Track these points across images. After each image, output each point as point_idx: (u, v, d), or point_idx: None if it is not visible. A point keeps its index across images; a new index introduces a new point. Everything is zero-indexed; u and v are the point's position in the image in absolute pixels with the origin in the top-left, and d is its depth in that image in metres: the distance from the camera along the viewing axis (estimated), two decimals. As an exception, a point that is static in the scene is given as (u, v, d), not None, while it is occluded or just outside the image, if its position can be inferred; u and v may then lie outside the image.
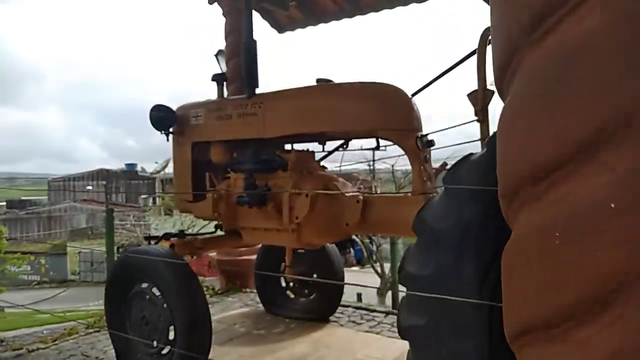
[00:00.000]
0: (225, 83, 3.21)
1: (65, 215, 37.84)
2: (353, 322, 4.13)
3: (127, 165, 46.40)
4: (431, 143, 2.50)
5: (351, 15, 6.05)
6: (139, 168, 46.93)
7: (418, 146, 2.42)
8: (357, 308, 4.51)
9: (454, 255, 1.64)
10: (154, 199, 36.71)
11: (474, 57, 2.81)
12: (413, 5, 5.32)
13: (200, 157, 3.19)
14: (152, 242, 3.20)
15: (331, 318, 4.17)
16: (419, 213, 1.74)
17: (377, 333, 3.83)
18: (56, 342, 3.89)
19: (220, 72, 3.21)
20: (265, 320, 4.20)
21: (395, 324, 4.10)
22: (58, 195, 42.32)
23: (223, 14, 5.56)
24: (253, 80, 2.87)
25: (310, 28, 7.20)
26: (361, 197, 2.57)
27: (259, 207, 2.81)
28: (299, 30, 7.22)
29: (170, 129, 3.16)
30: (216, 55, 8.85)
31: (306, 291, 4.27)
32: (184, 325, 2.62)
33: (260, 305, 4.53)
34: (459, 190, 1.61)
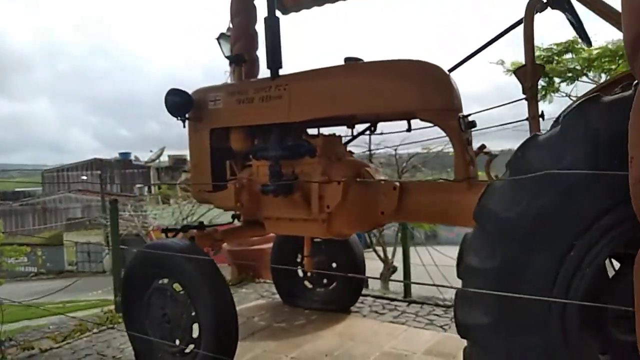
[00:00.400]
0: (243, 64, 3.00)
1: (60, 206, 37.57)
2: (375, 312, 4.00)
3: (121, 154, 45.97)
4: (473, 124, 2.33)
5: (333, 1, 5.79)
6: (132, 157, 46.58)
7: (461, 127, 2.26)
8: (378, 297, 4.38)
9: (524, 245, 1.49)
10: (149, 188, 36.47)
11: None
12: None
13: (219, 144, 3.01)
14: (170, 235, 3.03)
15: (352, 308, 4.04)
16: (480, 200, 1.57)
17: (402, 323, 3.70)
18: (68, 341, 3.73)
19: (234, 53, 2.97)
20: (284, 312, 4.06)
21: (419, 314, 4.00)
22: (52, 186, 41.96)
23: (227, -5, 5.32)
24: (276, 60, 2.68)
25: (315, 9, 6.95)
26: (398, 184, 2.40)
27: (285, 196, 2.64)
28: (303, 12, 6.96)
29: (187, 115, 2.96)
30: (218, 39, 8.60)
31: (325, 281, 4.13)
32: (211, 324, 2.47)
33: (277, 296, 4.40)
34: (527, 175, 1.44)
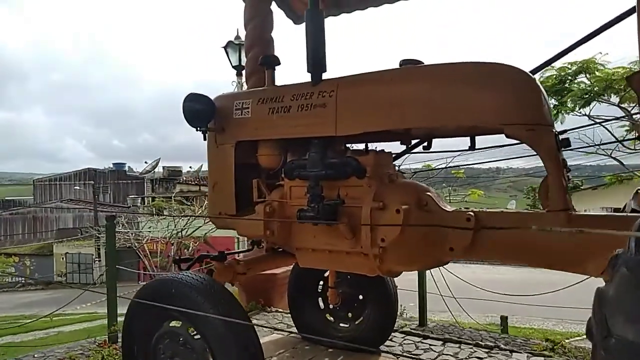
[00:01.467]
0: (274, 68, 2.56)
1: (51, 215, 36.89)
2: (409, 352, 3.53)
3: (115, 164, 45.50)
4: (567, 142, 1.90)
5: (377, 4, 5.38)
6: (126, 168, 46.11)
7: (558, 146, 1.83)
8: (407, 333, 3.91)
9: None
10: (142, 200, 35.95)
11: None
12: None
13: (244, 160, 2.55)
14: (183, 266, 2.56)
15: (382, 347, 3.56)
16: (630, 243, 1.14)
17: (443, 368, 3.23)
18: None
19: (268, 55, 2.53)
20: (305, 350, 3.58)
21: (458, 356, 3.54)
22: (44, 195, 41.32)
23: (243, -1, 4.91)
24: (319, 63, 2.25)
25: (330, 19, 6.57)
26: (472, 214, 1.96)
27: (327, 225, 2.18)
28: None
29: (208, 125, 2.51)
30: (225, 48, 8.19)
31: (350, 315, 3.65)
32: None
33: (293, 329, 3.91)
34: None
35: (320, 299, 3.74)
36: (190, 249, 19.07)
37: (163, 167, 35.44)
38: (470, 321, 8.16)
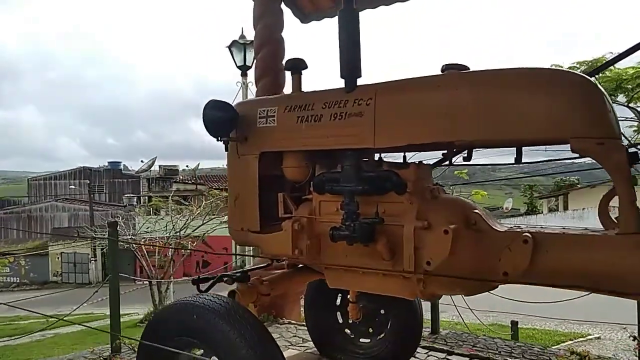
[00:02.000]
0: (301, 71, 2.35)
1: (46, 214, 36.57)
2: (434, 370, 3.35)
3: (111, 163, 45.21)
4: (637, 157, 1.72)
5: (389, 3, 5.17)
6: (122, 166, 45.90)
7: (629, 162, 1.65)
8: (430, 349, 3.73)
9: None
10: (138, 198, 35.70)
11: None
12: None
13: (267, 172, 2.36)
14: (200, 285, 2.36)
15: (406, 365, 3.38)
16: None
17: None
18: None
19: (295, 58, 2.33)
20: (324, 368, 3.40)
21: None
22: (39, 194, 40.99)
23: (252, -4, 4.72)
24: (354, 67, 2.05)
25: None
26: (530, 235, 1.77)
27: (365, 245, 1.99)
28: (325, 21, 6.39)
29: (230, 134, 2.32)
30: (229, 47, 7.94)
31: (371, 330, 3.47)
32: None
33: (309, 344, 3.73)
34: None
35: (338, 313, 3.56)
36: (188, 249, 18.83)
37: (159, 166, 35.15)
38: (475, 321, 7.98)
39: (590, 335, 9.79)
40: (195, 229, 19.13)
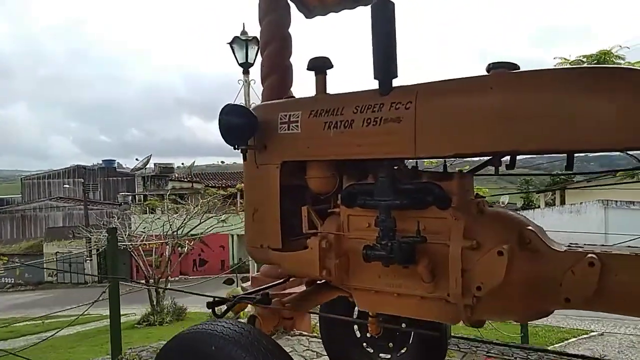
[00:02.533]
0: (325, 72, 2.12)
1: (40, 214, 36.20)
2: (459, 387, 3.15)
3: (105, 161, 44.84)
4: None
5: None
6: (116, 164, 45.58)
7: None
8: (452, 362, 3.53)
9: None
10: (133, 197, 35.40)
11: None
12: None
13: (288, 182, 2.13)
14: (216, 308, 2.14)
15: (428, 381, 3.18)
16: None
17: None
18: None
19: (315, 58, 2.09)
20: (342, 387, 3.19)
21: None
22: (32, 193, 40.59)
23: (258, -9, 4.47)
24: (390, 66, 1.82)
25: (345, 12, 6.13)
26: (595, 257, 1.57)
27: (404, 266, 1.78)
28: (331, 15, 6.14)
29: (249, 142, 2.08)
30: (231, 44, 7.66)
31: (391, 344, 3.25)
32: None
33: (324, 357, 3.53)
34: None
35: (355, 326, 3.36)
36: (186, 248, 18.59)
37: (154, 164, 34.85)
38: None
39: (594, 331, 9.67)
40: (193, 229, 18.90)
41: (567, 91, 1.55)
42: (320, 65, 2.07)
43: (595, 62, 8.29)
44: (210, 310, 2.14)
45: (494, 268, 1.64)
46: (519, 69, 1.75)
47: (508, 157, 1.93)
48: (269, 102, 2.29)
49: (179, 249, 17.92)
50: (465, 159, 2.04)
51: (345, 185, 2.05)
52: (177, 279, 23.18)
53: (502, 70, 1.72)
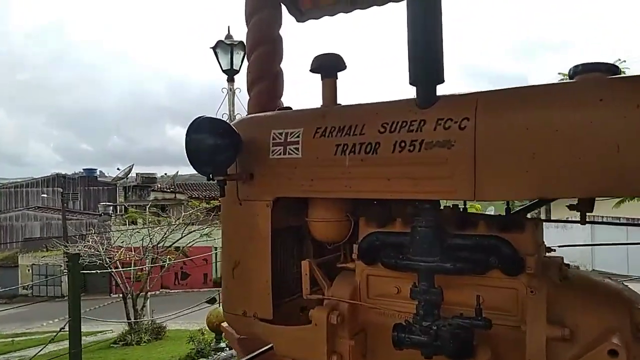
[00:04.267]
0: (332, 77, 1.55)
1: (17, 224, 34.91)
2: None
3: (86, 170, 43.85)
4: None
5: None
6: (97, 173, 44.66)
7: None
8: None
9: None
10: (114, 207, 34.47)
11: None
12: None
13: (284, 226, 1.55)
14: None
15: None
16: None
17: None
18: None
19: (319, 61, 1.52)
20: None
21: None
22: (9, 202, 39.30)
23: (243, -11, 3.89)
24: (435, 69, 1.26)
25: (340, 16, 5.55)
26: None
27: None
28: (324, 19, 5.57)
29: (228, 170, 1.49)
30: (214, 49, 7.00)
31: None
32: None
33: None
34: None
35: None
36: (167, 262, 17.80)
37: (137, 174, 34.04)
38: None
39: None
40: (175, 242, 18.14)
41: None
42: (329, 65, 1.49)
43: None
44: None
45: None
46: (619, 72, 1.20)
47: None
48: (257, 114, 1.71)
49: (161, 262, 17.17)
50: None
51: (362, 232, 1.46)
52: (157, 293, 22.34)
53: (598, 75, 1.16)
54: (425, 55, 1.26)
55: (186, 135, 1.39)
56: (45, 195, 36.73)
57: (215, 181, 1.49)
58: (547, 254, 1.36)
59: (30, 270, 29.99)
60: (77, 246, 18.42)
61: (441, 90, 1.31)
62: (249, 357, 1.95)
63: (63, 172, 42.68)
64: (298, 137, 1.46)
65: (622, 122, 1.04)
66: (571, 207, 1.33)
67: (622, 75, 1.17)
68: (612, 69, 1.21)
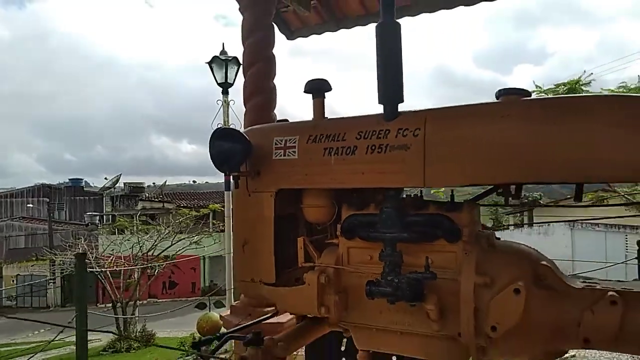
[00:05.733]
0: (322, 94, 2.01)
1: (0, 234, 34.71)
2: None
3: (72, 180, 43.60)
4: None
5: (452, 6, 4.89)
6: (83, 183, 44.44)
7: None
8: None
9: None
10: (101, 217, 34.46)
11: None
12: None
13: (283, 212, 1.99)
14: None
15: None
16: None
17: None
18: None
19: (315, 79, 1.99)
20: None
21: None
22: (-7, 213, 39.00)
23: (240, 10, 4.38)
24: (396, 91, 1.72)
25: (326, 34, 6.13)
26: (617, 295, 1.48)
27: (411, 304, 1.65)
28: (313, 37, 6.14)
29: (241, 168, 1.94)
30: (210, 63, 7.49)
31: (380, 378, 3.10)
32: None
33: (309, 393, 3.35)
34: None
35: (344, 359, 3.21)
36: (156, 270, 18.04)
37: (124, 183, 34.05)
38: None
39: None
40: (164, 250, 18.37)
41: (592, 121, 1.47)
42: (318, 88, 1.96)
43: (567, 91, 8.51)
44: (195, 349, 1.96)
45: (511, 307, 1.53)
46: (530, 95, 1.68)
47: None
48: (263, 125, 2.15)
49: (149, 270, 17.38)
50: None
51: (344, 215, 1.91)
52: (145, 302, 22.44)
53: (514, 97, 1.64)
54: (390, 80, 1.73)
55: (210, 140, 1.84)
56: (31, 205, 36.49)
57: (231, 177, 1.95)
58: (481, 230, 1.82)
59: (15, 281, 29.83)
60: (66, 254, 18.61)
61: (402, 107, 1.78)
62: (255, 321, 2.38)
63: (48, 182, 42.38)
64: (295, 142, 1.91)
65: (519, 131, 1.52)
66: (498, 193, 1.81)
67: (530, 98, 1.65)
68: (525, 93, 1.69)
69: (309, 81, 1.97)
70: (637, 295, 1.50)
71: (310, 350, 3.31)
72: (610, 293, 1.49)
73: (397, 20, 1.74)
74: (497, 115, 1.57)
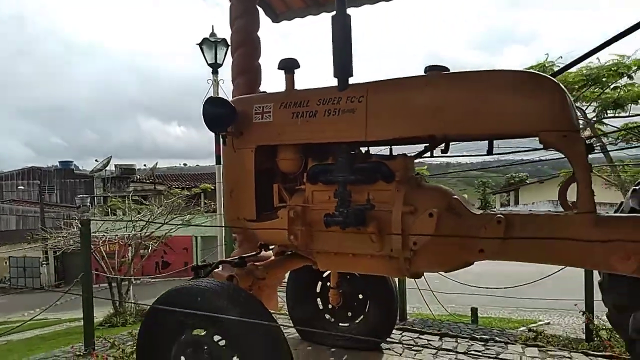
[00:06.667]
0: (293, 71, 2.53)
1: (-8, 217, 34.85)
2: (409, 348, 3.61)
3: (62, 163, 43.49)
4: (592, 148, 2.01)
5: (359, 4, 5.44)
6: (73, 166, 44.35)
7: (586, 152, 1.93)
8: (404, 329, 4.00)
9: None
10: (92, 199, 34.59)
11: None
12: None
13: (263, 165, 2.53)
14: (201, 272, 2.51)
15: (383, 345, 3.63)
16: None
17: (446, 363, 3.33)
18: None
19: (286, 58, 2.51)
20: (308, 351, 3.59)
21: (457, 349, 3.65)
22: (-16, 196, 38.96)
23: (228, -6, 4.82)
24: (347, 68, 2.25)
25: (309, 18, 6.55)
26: (502, 216, 2.03)
27: (356, 229, 2.21)
28: (296, 20, 6.56)
29: (229, 129, 2.48)
30: (200, 45, 7.96)
31: (350, 314, 3.70)
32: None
33: (291, 330, 3.92)
34: None
35: (319, 299, 3.77)
36: (149, 249, 18.49)
37: (115, 165, 34.17)
38: (435, 312, 8.38)
39: (542, 321, 10.45)
40: (157, 228, 18.77)
41: (485, 88, 2.02)
42: (289, 66, 2.48)
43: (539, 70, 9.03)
44: (195, 272, 2.50)
45: (426, 227, 2.09)
46: (449, 71, 2.22)
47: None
48: (245, 96, 2.67)
49: (142, 251, 17.83)
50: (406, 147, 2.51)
51: (310, 165, 2.46)
52: (139, 282, 22.93)
53: (435, 72, 2.18)
54: (341, 59, 2.26)
55: (203, 105, 2.37)
56: (22, 188, 36.57)
57: (220, 136, 2.48)
58: (413, 176, 2.38)
59: (8, 263, 30.06)
60: (61, 234, 18.98)
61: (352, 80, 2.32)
62: (247, 255, 2.92)
63: (38, 165, 42.30)
64: (270, 108, 2.44)
65: (431, 97, 2.07)
66: (428, 148, 2.38)
67: (448, 72, 2.18)
68: (445, 69, 2.23)
69: (281, 60, 2.49)
70: (517, 217, 2.06)
71: (290, 295, 3.86)
72: (498, 215, 2.05)
73: (348, 12, 2.26)
74: (422, 85, 2.11)
